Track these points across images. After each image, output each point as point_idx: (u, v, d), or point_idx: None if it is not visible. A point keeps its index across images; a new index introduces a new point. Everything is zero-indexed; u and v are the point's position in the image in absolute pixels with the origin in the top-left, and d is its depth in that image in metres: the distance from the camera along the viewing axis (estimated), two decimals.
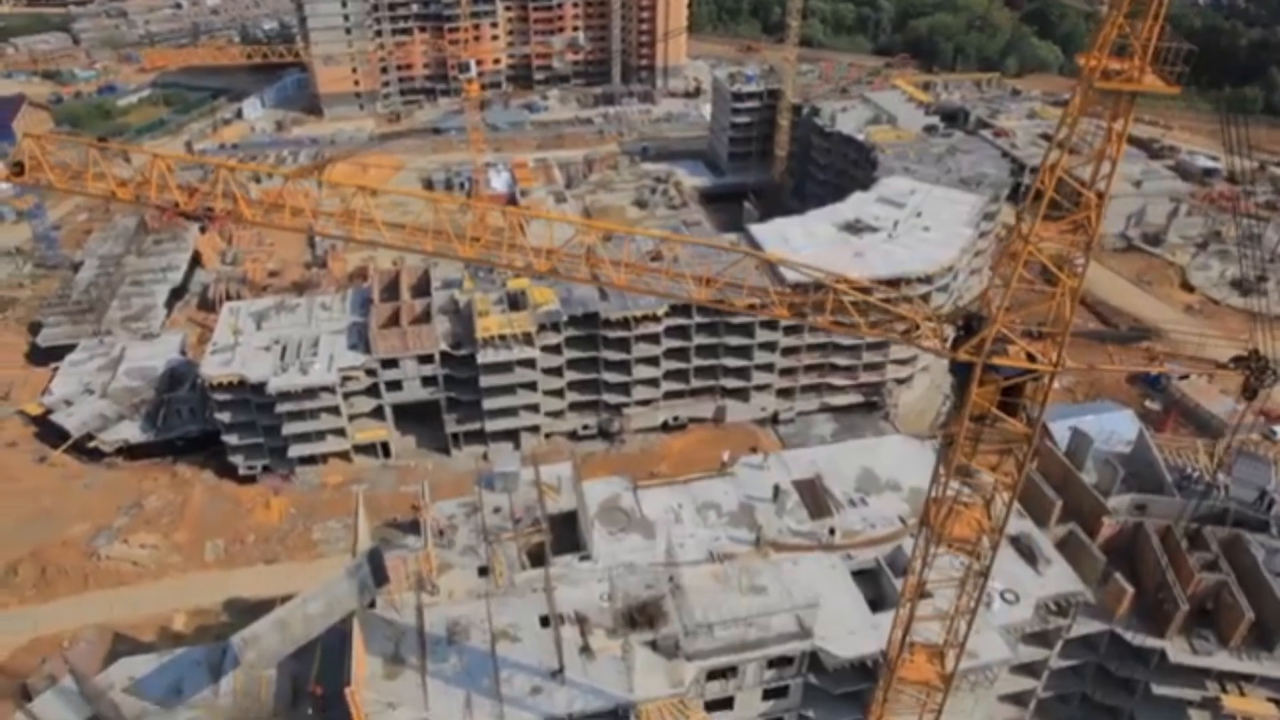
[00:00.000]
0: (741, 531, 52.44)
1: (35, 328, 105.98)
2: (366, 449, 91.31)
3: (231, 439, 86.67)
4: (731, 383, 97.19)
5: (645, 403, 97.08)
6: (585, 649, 45.33)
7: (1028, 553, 50.71)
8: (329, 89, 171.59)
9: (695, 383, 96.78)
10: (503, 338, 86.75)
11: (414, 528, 51.96)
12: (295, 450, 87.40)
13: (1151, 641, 52.40)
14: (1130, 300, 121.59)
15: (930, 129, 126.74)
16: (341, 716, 42.20)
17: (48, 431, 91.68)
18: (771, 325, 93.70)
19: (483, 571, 49.71)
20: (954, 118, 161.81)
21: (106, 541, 78.65)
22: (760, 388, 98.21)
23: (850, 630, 46.83)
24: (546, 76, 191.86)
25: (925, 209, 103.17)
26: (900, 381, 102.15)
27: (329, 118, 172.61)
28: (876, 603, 49.33)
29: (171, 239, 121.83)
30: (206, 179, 32.21)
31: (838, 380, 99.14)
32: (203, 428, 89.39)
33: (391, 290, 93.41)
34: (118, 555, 77.29)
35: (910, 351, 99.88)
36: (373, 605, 48.05)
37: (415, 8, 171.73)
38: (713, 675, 46.37)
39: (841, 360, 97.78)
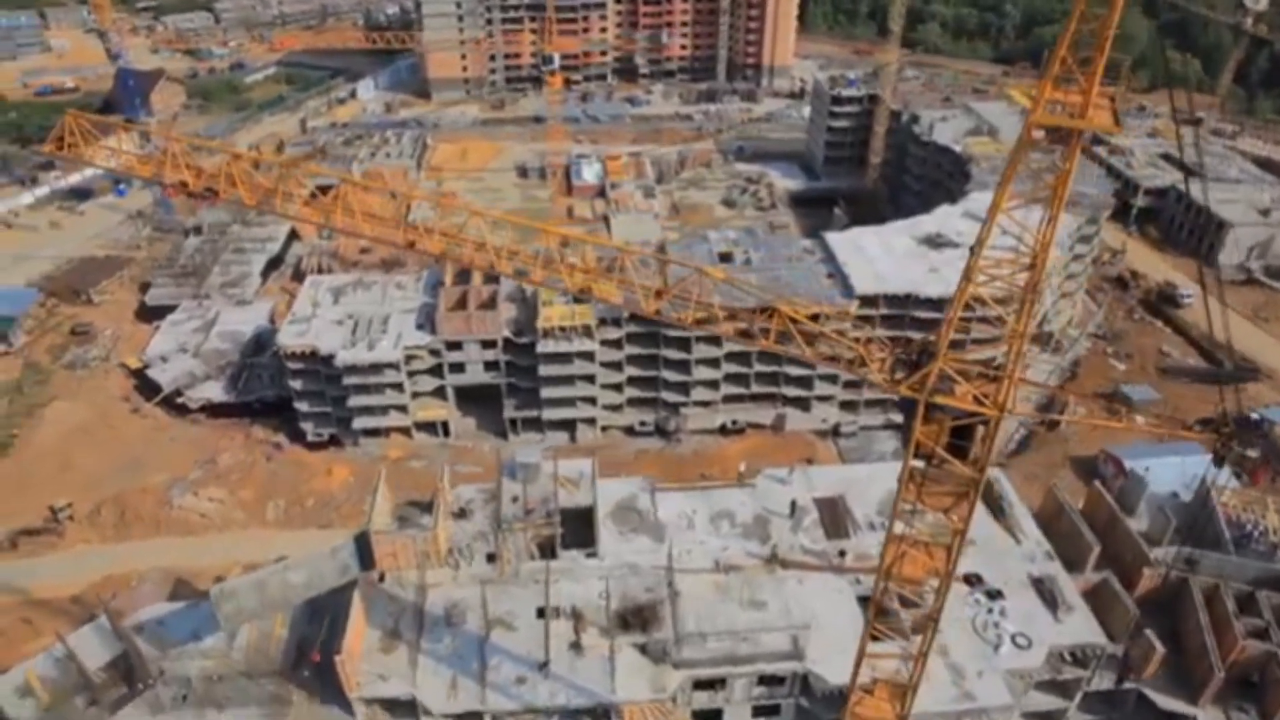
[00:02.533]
0: (752, 544, 51.91)
1: (145, 287, 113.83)
2: (427, 427, 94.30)
3: (302, 406, 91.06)
4: (793, 391, 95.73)
5: (704, 404, 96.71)
6: (575, 645, 45.91)
7: (1049, 597, 48.38)
8: (438, 74, 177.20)
9: (756, 388, 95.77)
10: (563, 329, 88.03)
11: (432, 508, 53.43)
12: (359, 422, 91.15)
13: (1183, 707, 49.26)
14: (1243, 337, 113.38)
15: (1033, 142, 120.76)
16: (337, 681, 44.24)
17: (144, 385, 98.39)
18: (841, 335, 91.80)
19: (491, 558, 50.88)
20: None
21: (180, 492, 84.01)
22: (823, 398, 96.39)
23: (846, 656, 45.68)
24: (652, 71, 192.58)
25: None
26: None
27: (436, 102, 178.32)
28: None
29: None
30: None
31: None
32: (279, 393, 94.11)
33: (464, 274, 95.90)
34: (188, 506, 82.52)
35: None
36: (382, 579, 49.95)
37: None
38: (701, 685, 46.22)
39: None
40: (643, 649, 45.71)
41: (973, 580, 49.67)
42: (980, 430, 26.49)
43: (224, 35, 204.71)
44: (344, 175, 30.93)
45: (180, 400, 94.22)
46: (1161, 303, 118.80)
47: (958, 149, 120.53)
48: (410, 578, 49.24)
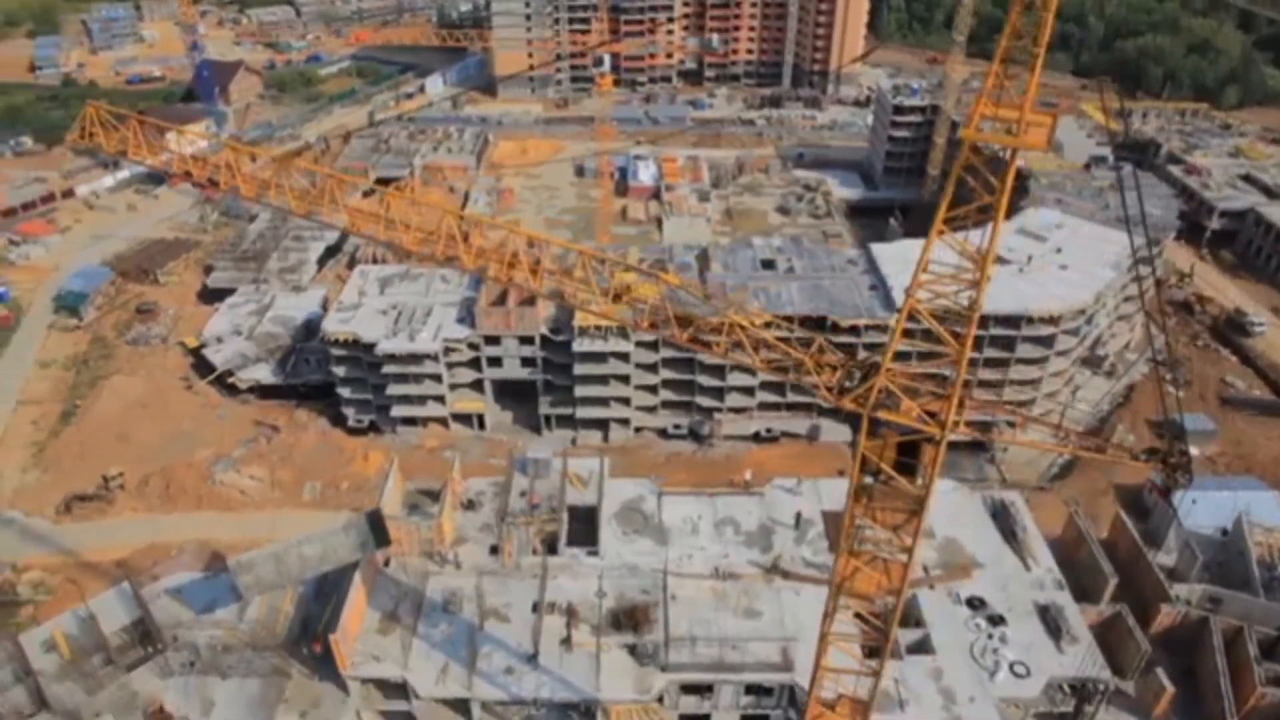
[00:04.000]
0: (754, 552, 51.70)
1: (208, 270, 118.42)
2: (464, 418, 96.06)
3: (344, 392, 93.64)
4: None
5: (739, 410, 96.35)
6: (566, 640, 46.41)
7: (1053, 626, 47.02)
8: (505, 71, 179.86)
9: (791, 396, 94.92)
10: (599, 328, 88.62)
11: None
12: (398, 410, 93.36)
13: None
14: None
15: (1098, 160, 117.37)
16: (334, 659, 45.62)
17: (200, 364, 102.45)
18: (874, 349, 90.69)
19: (494, 550, 51.76)
20: (1143, 150, 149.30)
21: (223, 469, 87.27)
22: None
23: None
24: (717, 75, 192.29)
25: (1068, 245, 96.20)
26: (1013, 425, 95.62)
27: (502, 99, 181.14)
28: (875, 650, 47.32)
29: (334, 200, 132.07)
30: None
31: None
32: (324, 378, 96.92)
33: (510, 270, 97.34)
34: (229, 482, 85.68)
35: (1029, 393, 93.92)
36: (387, 564, 51.26)
37: None
38: (690, 690, 46.24)
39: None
40: (632, 650, 45.98)
41: (976, 604, 48.61)
42: (925, 449, 26.02)
43: (303, 29, 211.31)
44: (329, 172, 31.96)
45: (231, 380, 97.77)
46: (1230, 330, 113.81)
47: (1019, 163, 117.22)
48: (414, 564, 50.38)
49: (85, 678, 47.76)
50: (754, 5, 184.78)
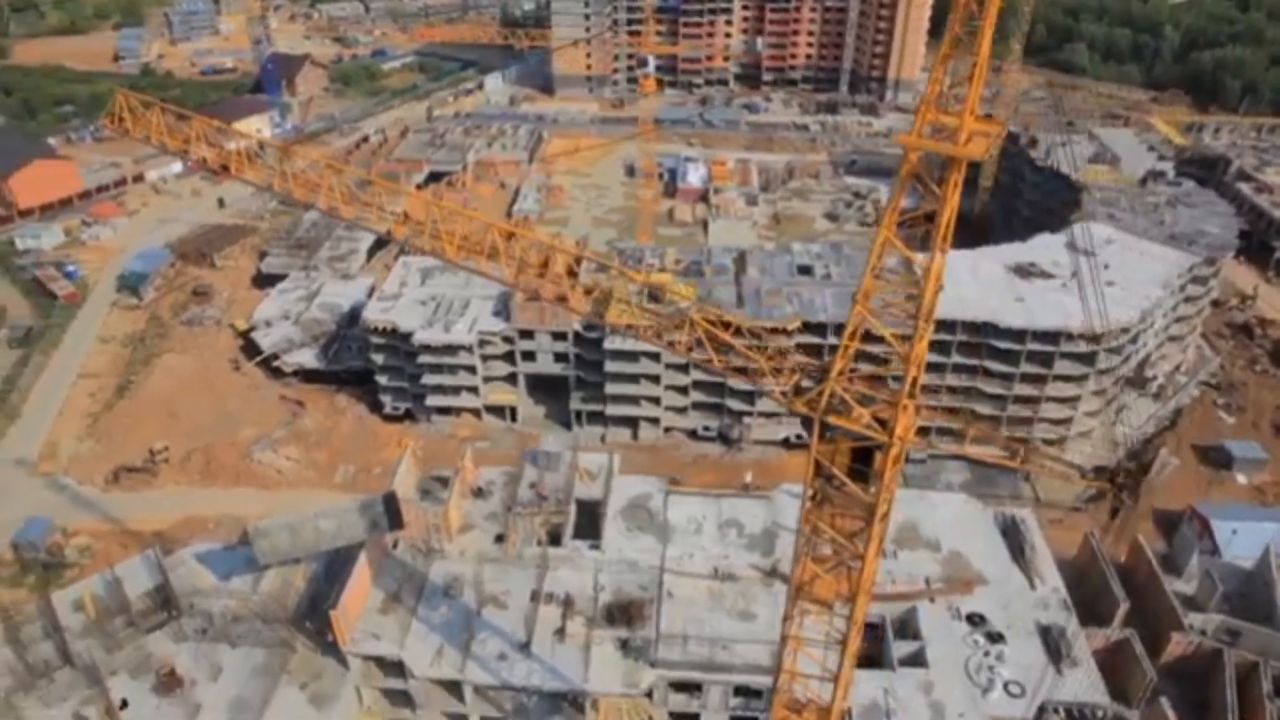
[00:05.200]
0: (755, 555, 51.76)
1: (263, 256, 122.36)
2: (497, 410, 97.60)
3: (382, 379, 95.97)
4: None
5: (769, 415, 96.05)
6: (560, 631, 47.15)
7: (1054, 648, 46.11)
8: (563, 71, 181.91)
9: None
10: (630, 326, 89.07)
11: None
12: (432, 400, 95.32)
13: None
14: None
15: (1156, 175, 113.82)
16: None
17: (249, 346, 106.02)
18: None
19: (499, 539, 52.78)
20: (1211, 166, 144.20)
21: (262, 449, 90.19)
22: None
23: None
24: (774, 79, 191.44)
25: (1116, 262, 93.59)
26: (1051, 442, 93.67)
27: (559, 98, 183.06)
28: (870, 659, 47.14)
29: (389, 193, 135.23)
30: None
31: (975, 429, 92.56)
32: (364, 365, 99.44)
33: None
34: (266, 461, 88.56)
35: (1068, 411, 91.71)
36: (396, 546, 52.67)
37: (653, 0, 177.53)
38: (679, 688, 46.57)
39: (983, 408, 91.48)
40: (624, 644, 46.49)
41: (976, 620, 47.94)
42: (878, 457, 25.96)
43: (371, 24, 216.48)
44: (330, 161, 33.17)
45: (276, 363, 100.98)
46: None
47: (1074, 176, 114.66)
48: (419, 547, 51.66)
49: (107, 637, 50.17)
50: (813, 10, 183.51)
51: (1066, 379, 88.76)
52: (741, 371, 27.98)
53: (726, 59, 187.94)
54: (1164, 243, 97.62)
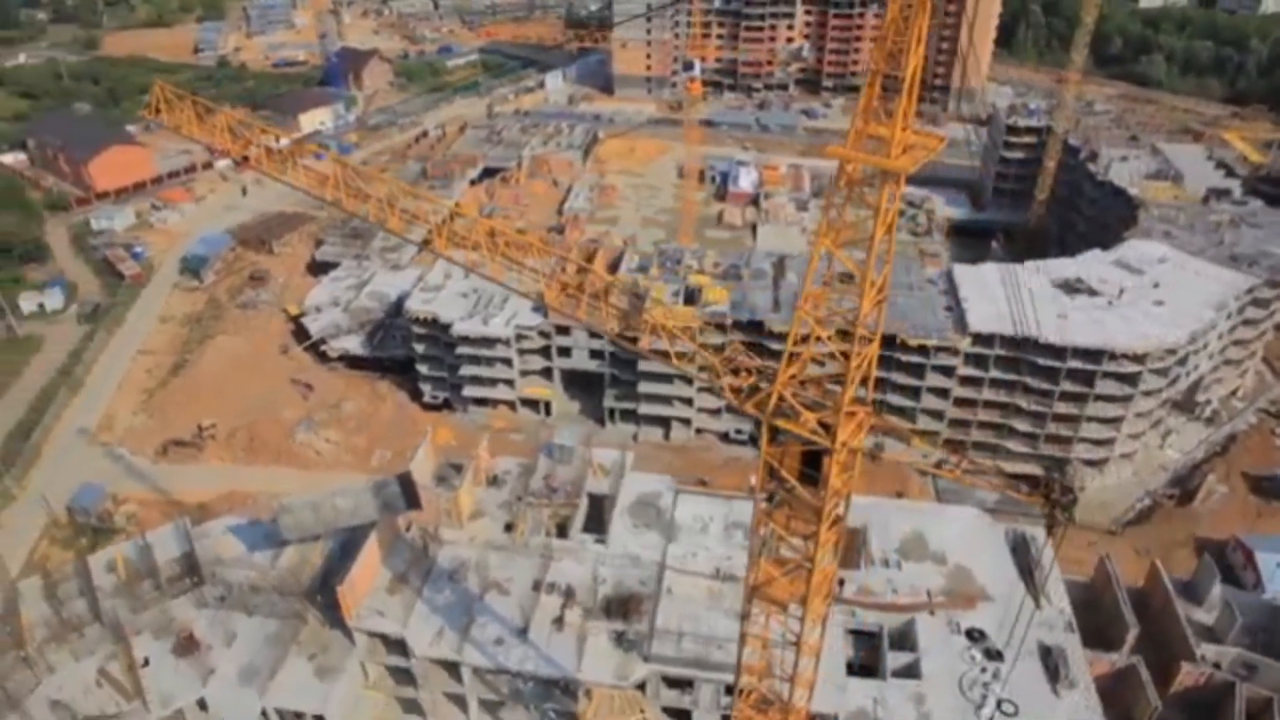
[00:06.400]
0: None
1: (318, 244, 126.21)
2: (532, 404, 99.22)
3: (423, 368, 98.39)
4: (893, 420, 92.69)
5: None
6: (558, 620, 48.09)
7: (1053, 670, 45.32)
8: (623, 71, 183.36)
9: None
10: (663, 326, 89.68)
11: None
12: (470, 390, 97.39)
13: None
14: None
15: (1220, 193, 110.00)
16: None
17: (299, 330, 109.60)
18: (945, 371, 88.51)
19: (508, 527, 53.97)
20: None
21: (304, 430, 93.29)
22: (925, 432, 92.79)
23: (823, 684, 45.06)
24: (834, 84, 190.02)
25: (1167, 281, 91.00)
26: (1090, 463, 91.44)
27: (617, 98, 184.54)
28: (866, 668, 47.06)
29: (444, 186, 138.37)
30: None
31: (1013, 445, 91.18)
32: (406, 354, 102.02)
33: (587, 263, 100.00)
34: (307, 442, 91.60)
35: (1109, 432, 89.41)
36: (409, 528, 54.25)
37: (717, 3, 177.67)
38: (672, 683, 47.09)
39: (1021, 425, 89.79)
40: (619, 636, 47.21)
41: (975, 635, 47.42)
42: (826, 462, 26.15)
43: (439, 21, 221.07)
44: (336, 157, 34.52)
45: (323, 349, 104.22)
46: None
47: (1133, 192, 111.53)
48: (430, 530, 53.15)
49: (134, 599, 52.79)
50: (877, 16, 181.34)
51: (1109, 399, 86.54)
52: (701, 371, 28.41)
53: (770, 63, 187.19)
54: (1222, 263, 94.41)
